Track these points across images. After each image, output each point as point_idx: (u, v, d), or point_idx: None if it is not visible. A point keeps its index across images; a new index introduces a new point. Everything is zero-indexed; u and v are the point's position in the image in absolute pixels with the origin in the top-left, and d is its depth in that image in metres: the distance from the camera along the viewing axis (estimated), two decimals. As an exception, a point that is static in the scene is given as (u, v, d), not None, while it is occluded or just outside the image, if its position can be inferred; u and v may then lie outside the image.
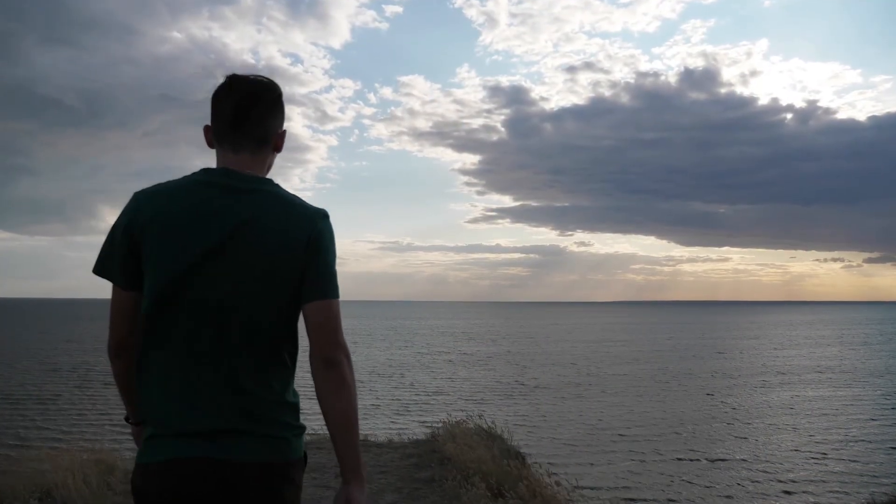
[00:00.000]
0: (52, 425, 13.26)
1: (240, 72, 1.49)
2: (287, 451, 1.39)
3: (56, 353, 29.78)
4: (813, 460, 11.37)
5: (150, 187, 1.44)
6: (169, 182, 1.44)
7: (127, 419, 1.58)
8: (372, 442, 7.14)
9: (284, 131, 1.55)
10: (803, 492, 9.56)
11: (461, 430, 6.96)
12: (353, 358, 1.46)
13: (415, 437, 7.67)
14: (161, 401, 1.38)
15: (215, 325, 1.38)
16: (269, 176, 1.53)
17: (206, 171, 1.46)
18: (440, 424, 7.81)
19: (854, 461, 11.31)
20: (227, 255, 1.38)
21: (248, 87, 1.47)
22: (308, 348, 1.44)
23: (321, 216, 1.46)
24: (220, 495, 1.33)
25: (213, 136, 1.49)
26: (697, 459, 11.32)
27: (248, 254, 1.38)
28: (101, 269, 1.45)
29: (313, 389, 1.41)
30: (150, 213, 1.38)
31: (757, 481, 10.01)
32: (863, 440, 12.96)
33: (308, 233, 1.42)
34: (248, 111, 1.45)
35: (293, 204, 1.45)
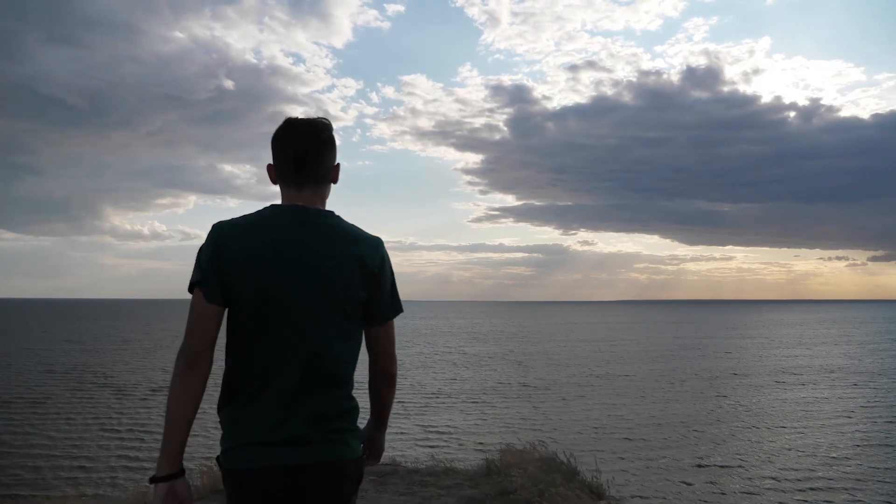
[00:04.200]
0: (40, 430, 12.87)
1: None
2: (349, 450, 1.61)
3: (54, 354, 29.49)
4: (827, 465, 10.95)
5: (227, 221, 1.62)
6: (245, 216, 1.63)
7: (154, 479, 1.56)
8: (407, 468, 5.97)
9: (338, 164, 1.74)
10: (820, 500, 9.15)
11: (533, 465, 5.58)
12: None
13: (463, 465, 6.40)
14: (242, 415, 1.56)
15: (292, 347, 1.57)
16: None
17: (275, 207, 1.65)
18: (497, 453, 6.40)
19: (870, 465, 10.88)
20: (302, 284, 1.57)
21: (305, 131, 1.66)
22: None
23: (381, 244, 1.69)
24: (298, 494, 1.55)
25: (277, 175, 1.68)
26: (707, 465, 10.91)
27: (321, 281, 1.58)
28: (197, 279, 1.58)
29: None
30: (231, 244, 1.56)
31: (770, 488, 9.61)
32: (878, 444, 12.51)
33: (372, 262, 1.63)
34: (307, 155, 1.65)
35: (355, 234, 1.65)
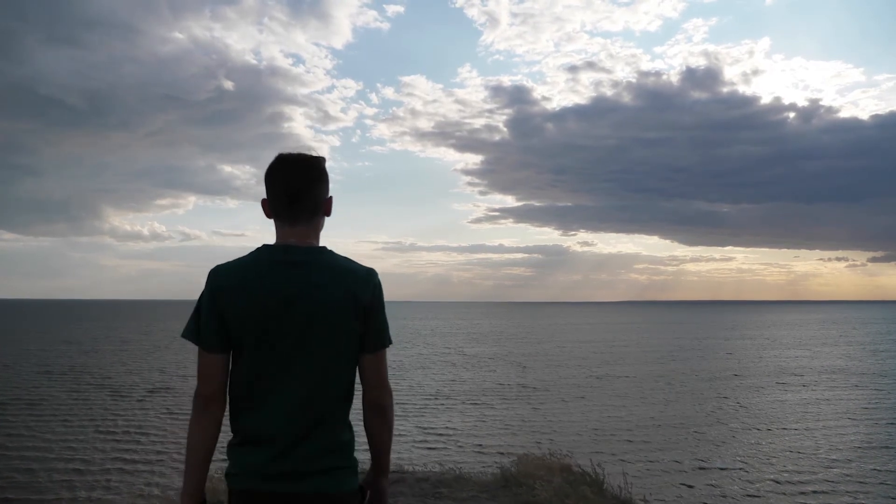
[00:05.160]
0: (35, 432, 12.76)
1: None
2: (345, 483, 1.66)
3: (52, 355, 29.36)
4: (828, 467, 10.85)
5: (224, 264, 1.68)
6: (239, 259, 1.68)
7: None
8: (415, 476, 5.50)
9: (331, 197, 1.78)
10: (821, 502, 9.05)
11: (555, 475, 5.07)
12: None
13: (474, 472, 5.86)
14: (243, 450, 1.65)
15: (286, 389, 1.62)
16: None
17: (267, 248, 1.69)
18: (513, 460, 5.95)
19: (873, 468, 10.78)
20: (294, 323, 1.62)
21: (295, 167, 1.70)
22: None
23: (372, 276, 1.71)
24: None
25: (271, 209, 1.72)
26: (708, 467, 10.80)
27: (312, 319, 1.62)
28: (189, 334, 1.69)
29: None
30: (227, 291, 1.63)
31: (772, 491, 9.51)
32: (881, 446, 12.40)
33: (363, 295, 1.66)
34: (299, 190, 1.68)
35: (346, 269, 1.68)
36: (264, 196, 1.75)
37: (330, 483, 1.63)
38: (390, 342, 1.76)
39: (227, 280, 1.64)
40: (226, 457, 1.71)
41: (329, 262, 1.68)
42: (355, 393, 1.75)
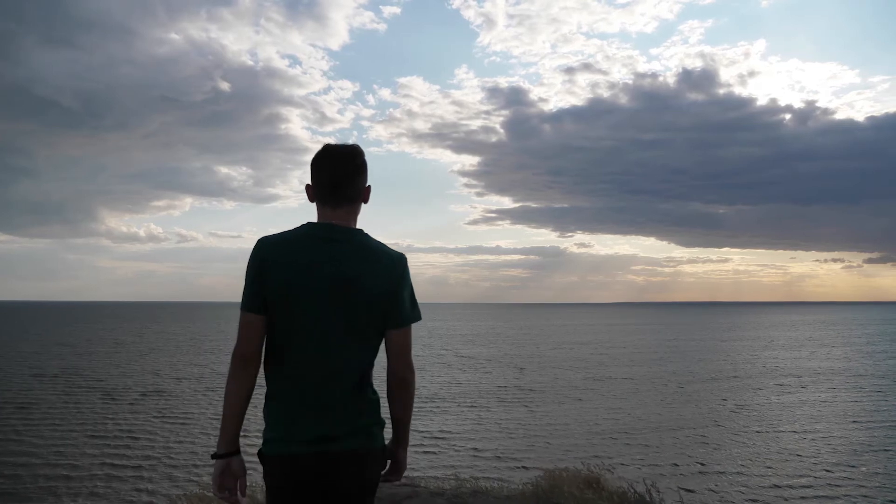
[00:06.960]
0: (23, 436, 12.56)
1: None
2: (373, 440, 1.87)
3: (45, 357, 29.10)
4: (828, 470, 10.71)
5: (271, 236, 1.87)
6: (285, 232, 1.87)
7: (215, 455, 1.85)
8: (429, 490, 5.14)
9: (369, 186, 1.97)
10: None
11: (596, 493, 4.69)
12: None
13: (493, 483, 5.54)
14: (280, 413, 1.83)
15: (316, 357, 1.81)
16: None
17: (311, 225, 1.89)
18: (543, 475, 5.59)
19: (874, 471, 10.65)
20: (329, 294, 1.80)
21: (340, 157, 1.90)
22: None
23: (402, 259, 1.92)
24: (326, 477, 1.81)
25: (315, 194, 1.92)
26: (708, 471, 10.66)
27: (345, 292, 1.81)
28: (245, 302, 1.84)
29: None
30: (272, 259, 1.81)
31: (772, 494, 9.36)
32: (881, 448, 12.27)
33: (393, 276, 1.87)
34: (342, 178, 1.89)
35: (379, 251, 1.89)
36: (308, 182, 1.94)
37: (362, 441, 1.84)
38: (417, 318, 1.94)
39: (272, 251, 1.81)
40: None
41: (365, 242, 1.88)
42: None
